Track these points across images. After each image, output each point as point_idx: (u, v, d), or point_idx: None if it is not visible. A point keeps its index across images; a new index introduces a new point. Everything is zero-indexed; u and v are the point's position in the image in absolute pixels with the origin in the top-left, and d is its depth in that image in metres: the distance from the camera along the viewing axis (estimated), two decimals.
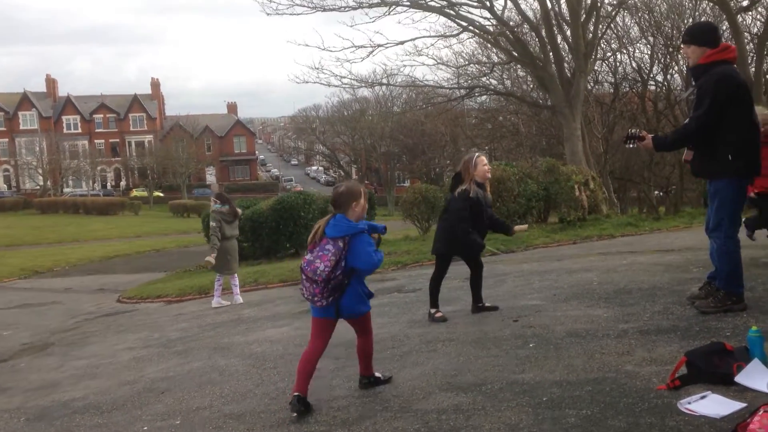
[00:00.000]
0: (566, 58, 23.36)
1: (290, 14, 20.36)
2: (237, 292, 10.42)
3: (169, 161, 70.87)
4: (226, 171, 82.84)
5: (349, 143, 71.85)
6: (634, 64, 30.15)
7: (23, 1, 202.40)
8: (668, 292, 5.96)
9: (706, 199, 5.11)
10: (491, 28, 22.03)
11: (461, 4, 20.93)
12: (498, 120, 36.60)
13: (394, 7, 20.29)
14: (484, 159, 6.12)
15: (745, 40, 21.53)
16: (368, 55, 21.17)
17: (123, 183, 77.13)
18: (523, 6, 23.02)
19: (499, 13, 21.45)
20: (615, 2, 23.41)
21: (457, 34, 22.35)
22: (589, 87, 27.55)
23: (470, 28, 21.56)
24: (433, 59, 23.76)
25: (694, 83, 4.94)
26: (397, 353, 5.17)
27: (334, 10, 20.21)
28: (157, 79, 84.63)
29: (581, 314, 5.54)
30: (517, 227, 6.39)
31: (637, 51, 30.00)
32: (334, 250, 4.00)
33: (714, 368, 3.47)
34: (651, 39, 28.47)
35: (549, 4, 21.33)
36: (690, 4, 26.71)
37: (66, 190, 69.93)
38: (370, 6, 20.14)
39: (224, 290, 10.55)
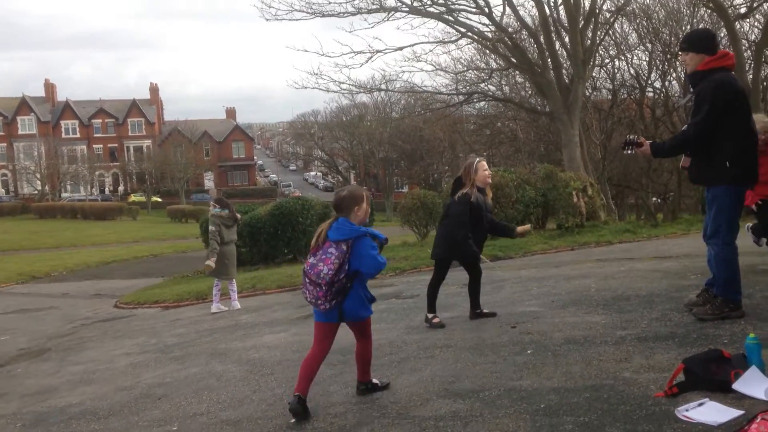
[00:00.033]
0: (564, 65, 23.42)
1: (289, 20, 20.44)
2: (234, 298, 10.39)
3: (167, 166, 70.84)
4: (224, 176, 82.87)
5: (347, 149, 71.94)
6: (632, 71, 30.34)
7: (24, 6, 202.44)
8: (666, 298, 5.97)
9: (704, 206, 5.12)
10: (490, 35, 22.06)
11: (460, 10, 20.99)
12: (496, 126, 36.71)
13: (392, 13, 20.35)
14: (485, 164, 6.20)
15: (743, 47, 21.66)
16: (367, 61, 21.20)
17: (121, 188, 77.12)
18: (521, 12, 23.16)
19: (497, 19, 21.53)
20: (613, 9, 23.49)
21: (456, 40, 22.43)
22: (588, 93, 27.61)
23: (469, 34, 21.60)
24: (432, 65, 24.05)
25: (692, 90, 4.95)
26: (394, 359, 5.16)
27: (333, 15, 20.24)
28: (156, 84, 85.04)
29: (579, 321, 5.54)
30: (520, 228, 6.38)
31: (635, 58, 30.17)
32: (338, 253, 3.98)
33: (712, 375, 3.47)
34: (649, 46, 28.58)
35: (547, 11, 21.42)
36: (688, 11, 26.81)
37: (64, 195, 69.91)
38: (369, 12, 20.19)
39: (222, 296, 10.53)
